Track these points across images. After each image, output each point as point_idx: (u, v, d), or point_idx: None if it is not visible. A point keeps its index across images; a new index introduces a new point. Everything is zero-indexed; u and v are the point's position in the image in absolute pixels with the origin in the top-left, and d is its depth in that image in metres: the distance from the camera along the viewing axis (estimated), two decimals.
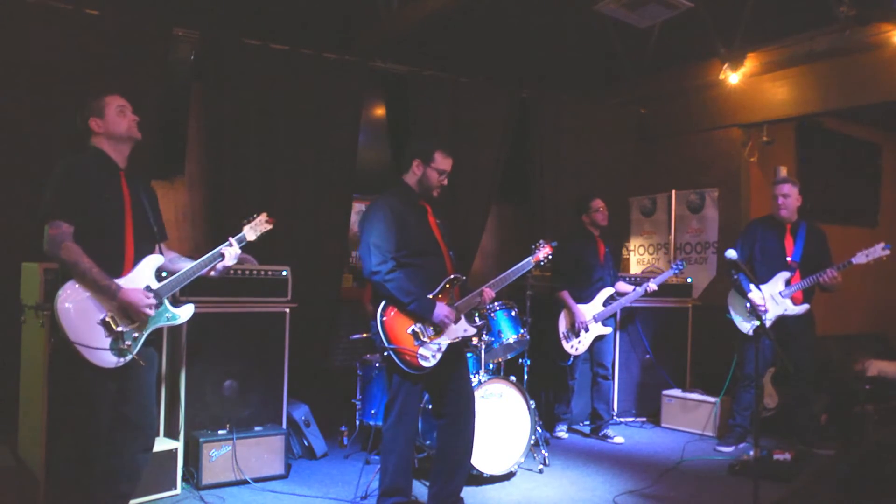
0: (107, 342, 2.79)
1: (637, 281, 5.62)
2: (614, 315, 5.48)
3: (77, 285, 2.77)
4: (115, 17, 4.49)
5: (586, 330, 5.25)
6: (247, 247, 3.25)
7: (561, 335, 5.26)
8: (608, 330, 5.34)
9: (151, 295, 2.90)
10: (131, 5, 4.61)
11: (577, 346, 5.28)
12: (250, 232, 3.21)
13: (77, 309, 2.76)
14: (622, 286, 5.40)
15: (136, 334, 2.88)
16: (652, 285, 5.30)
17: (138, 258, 2.96)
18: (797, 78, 5.88)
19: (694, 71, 6.32)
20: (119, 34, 4.50)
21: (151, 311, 2.89)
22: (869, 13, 4.99)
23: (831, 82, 5.68)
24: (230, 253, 3.12)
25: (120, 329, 2.82)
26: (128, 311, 2.84)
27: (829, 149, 7.48)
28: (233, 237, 3.15)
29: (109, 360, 2.80)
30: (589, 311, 5.27)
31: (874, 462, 4.07)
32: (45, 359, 3.40)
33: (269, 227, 3.24)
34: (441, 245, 3.57)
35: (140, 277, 2.94)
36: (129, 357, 2.84)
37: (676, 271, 5.44)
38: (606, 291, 5.32)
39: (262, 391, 4.39)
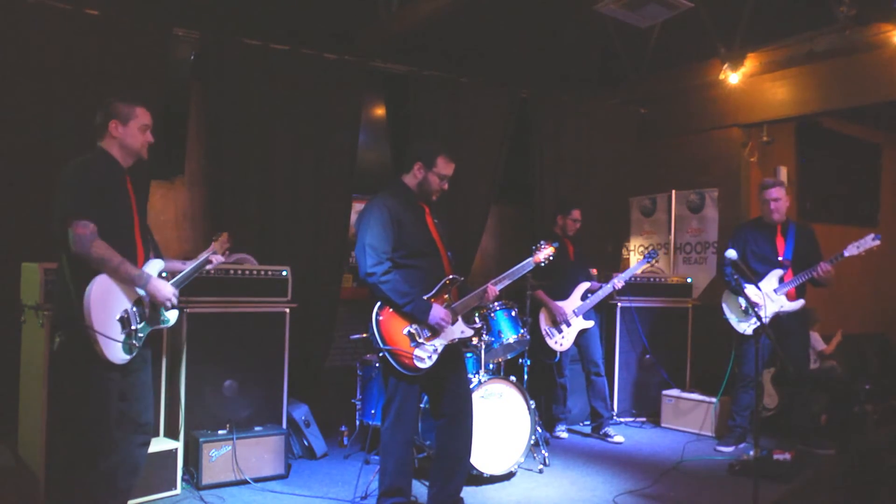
0: (122, 338, 2.90)
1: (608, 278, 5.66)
2: (602, 312, 5.50)
3: (107, 280, 2.86)
4: (115, 17, 4.48)
5: (568, 324, 5.29)
6: (246, 247, 3.38)
7: (543, 333, 5.30)
8: (590, 324, 5.39)
9: (173, 288, 3.06)
10: (131, 5, 4.61)
11: (560, 342, 5.31)
12: (219, 247, 3.39)
13: (106, 302, 2.86)
14: (594, 284, 5.46)
15: (142, 334, 3.01)
16: (619, 282, 5.38)
17: (145, 258, 3.08)
18: (797, 78, 5.88)
19: (694, 71, 6.31)
20: (119, 34, 4.49)
21: (175, 301, 3.05)
22: (869, 13, 4.99)
23: (831, 82, 5.68)
24: (215, 259, 3.37)
25: (134, 327, 2.94)
26: (154, 299, 2.99)
27: (829, 149, 7.48)
28: (210, 249, 3.38)
29: (121, 355, 2.90)
30: (568, 305, 5.33)
31: (873, 462, 4.07)
32: (45, 358, 3.41)
33: (229, 245, 3.47)
34: (439, 245, 3.56)
35: None
36: (134, 354, 2.97)
37: (649, 260, 5.48)
38: (583, 286, 5.39)
39: (262, 391, 4.39)
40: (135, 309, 2.97)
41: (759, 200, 5.11)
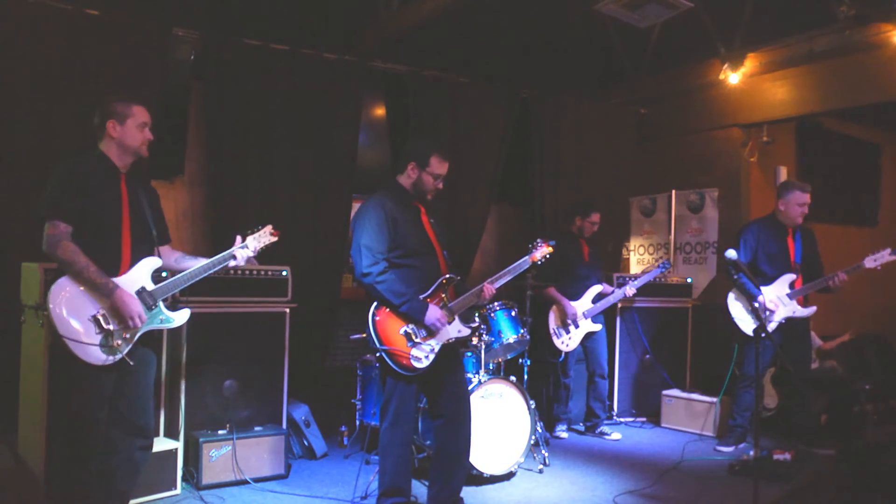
0: (97, 338, 2.83)
1: (619, 282, 5.69)
2: (604, 313, 5.50)
3: (71, 281, 2.82)
4: (115, 17, 4.49)
5: (576, 325, 5.29)
6: None
7: (551, 331, 5.31)
8: (598, 327, 5.40)
9: (142, 308, 2.92)
10: (131, 5, 4.61)
11: (567, 342, 5.31)
12: (253, 242, 3.24)
13: (69, 304, 2.80)
14: (606, 288, 5.48)
15: (127, 335, 2.91)
16: (630, 289, 5.40)
17: (135, 260, 3.00)
18: (797, 78, 5.88)
19: (694, 71, 6.31)
20: (119, 34, 4.49)
21: (139, 322, 2.90)
22: (869, 13, 4.99)
23: (831, 82, 5.68)
24: (242, 255, 3.18)
25: (109, 327, 2.85)
26: (119, 312, 2.87)
27: (829, 149, 7.47)
28: (238, 244, 3.20)
29: (98, 356, 2.83)
30: (579, 307, 5.33)
31: (872, 462, 4.07)
32: (44, 358, 3.41)
33: (275, 239, 3.27)
34: (435, 245, 3.55)
35: (136, 279, 2.98)
36: (118, 356, 2.88)
37: (663, 269, 5.52)
38: (595, 289, 5.41)
39: (262, 391, 4.39)
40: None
41: (783, 200, 4.94)
